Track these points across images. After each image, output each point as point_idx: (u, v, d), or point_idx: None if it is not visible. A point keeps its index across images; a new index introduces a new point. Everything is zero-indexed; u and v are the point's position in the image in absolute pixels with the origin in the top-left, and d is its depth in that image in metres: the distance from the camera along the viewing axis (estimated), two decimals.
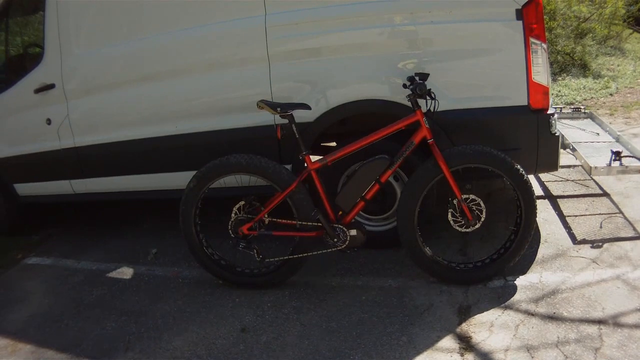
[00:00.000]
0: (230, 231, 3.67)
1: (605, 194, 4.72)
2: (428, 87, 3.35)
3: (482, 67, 3.72)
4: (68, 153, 4.36)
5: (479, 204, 3.56)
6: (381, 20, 3.72)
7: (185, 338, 3.39)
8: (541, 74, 3.68)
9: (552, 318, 3.28)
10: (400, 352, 3.11)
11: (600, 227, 4.19)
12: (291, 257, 3.66)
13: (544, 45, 3.66)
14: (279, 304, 3.63)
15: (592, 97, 8.08)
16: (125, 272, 4.21)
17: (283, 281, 3.78)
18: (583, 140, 4.60)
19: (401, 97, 3.66)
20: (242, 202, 3.67)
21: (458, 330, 3.26)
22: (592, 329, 3.16)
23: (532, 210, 3.55)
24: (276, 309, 3.58)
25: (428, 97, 3.37)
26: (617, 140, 4.54)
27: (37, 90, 4.29)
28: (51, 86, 4.24)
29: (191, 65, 3.98)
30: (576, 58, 9.64)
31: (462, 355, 3.06)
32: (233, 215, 3.67)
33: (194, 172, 3.95)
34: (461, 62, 3.70)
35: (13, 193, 4.81)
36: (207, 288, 3.86)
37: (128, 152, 4.23)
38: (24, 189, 4.75)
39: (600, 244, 3.97)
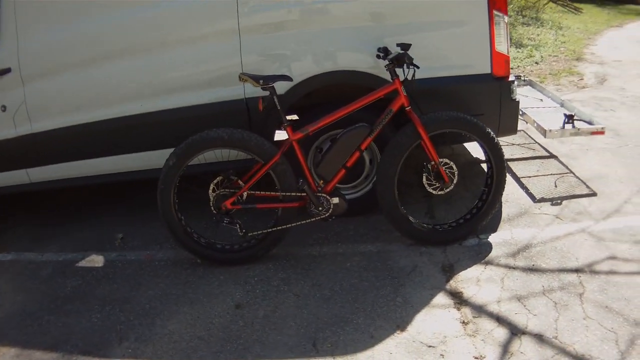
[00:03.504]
0: (212, 207, 3.62)
1: (552, 156, 5.04)
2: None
3: (448, 38, 3.88)
4: (24, 140, 4.12)
5: (451, 167, 3.72)
6: None
7: (179, 320, 3.30)
8: (503, 44, 3.91)
9: (532, 270, 3.50)
10: (400, 312, 3.21)
11: (555, 186, 4.48)
12: (274, 229, 3.67)
13: (505, 18, 3.88)
14: (266, 277, 3.62)
15: (517, 66, 8.44)
16: (96, 260, 4.01)
17: (265, 255, 3.77)
18: (529, 106, 4.85)
19: (368, 67, 3.81)
20: (220, 177, 3.64)
21: (447, 287, 3.41)
22: (572, 277, 3.40)
23: (503, 170, 3.78)
24: (264, 282, 3.57)
25: (411, 66, 3.46)
26: (562, 105, 4.84)
27: None
28: (7, 70, 3.99)
29: (156, 41, 3.86)
30: None
31: (458, 309, 3.21)
32: (211, 191, 3.63)
33: (160, 151, 3.91)
34: (429, 33, 3.83)
35: None
36: (187, 268, 3.78)
37: (91, 135, 4.03)
38: None
39: (559, 201, 4.26)
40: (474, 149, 5.16)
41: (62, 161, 4.19)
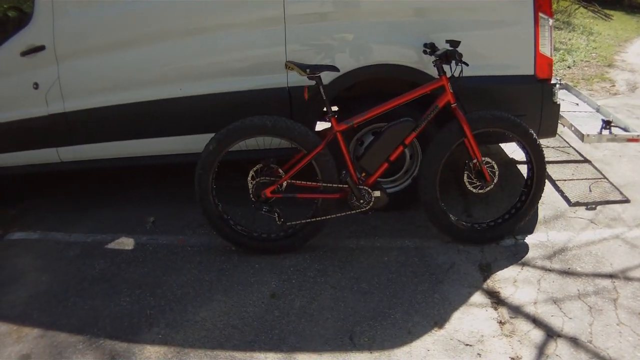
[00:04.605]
0: (251, 195, 3.59)
1: (586, 161, 5.02)
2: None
3: (494, 38, 3.87)
4: (56, 119, 4.10)
5: (492, 166, 3.70)
6: None
7: (212, 308, 3.27)
8: (547, 46, 3.89)
9: (568, 273, 3.48)
10: (438, 309, 3.20)
11: (590, 190, 4.47)
12: (313, 219, 3.66)
13: (550, 21, 3.86)
14: (302, 267, 3.60)
15: None
16: (126, 243, 3.98)
17: (302, 245, 3.75)
18: (565, 110, 4.81)
19: (412, 61, 3.81)
20: (260, 165, 3.61)
21: (485, 286, 3.40)
22: (607, 283, 3.39)
23: (543, 172, 3.76)
24: (301, 272, 3.55)
25: (460, 63, 3.43)
26: (598, 110, 4.81)
27: (24, 53, 4.01)
28: (41, 48, 3.98)
29: (201, 25, 3.85)
30: None
31: (495, 309, 3.20)
32: (250, 179, 3.61)
33: (197, 136, 3.90)
34: (475, 31, 3.80)
35: None
36: (221, 255, 3.76)
37: (126, 116, 4.02)
38: (3, 159, 4.42)
39: (593, 206, 4.24)
40: (510, 148, 5.16)
41: (95, 142, 4.18)
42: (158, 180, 4.89)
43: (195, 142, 3.96)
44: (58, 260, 3.84)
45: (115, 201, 4.63)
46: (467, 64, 3.42)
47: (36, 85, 4.04)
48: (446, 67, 3.53)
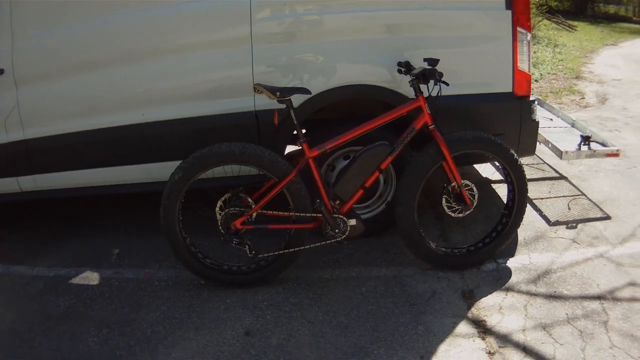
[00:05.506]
0: (220, 227, 3.39)
1: (562, 177, 4.95)
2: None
3: (471, 55, 3.76)
4: (16, 147, 3.82)
5: (471, 189, 3.56)
6: (372, 5, 3.62)
7: (184, 347, 3.06)
8: (525, 62, 3.80)
9: (554, 297, 3.38)
10: (423, 342, 3.04)
11: (569, 208, 4.38)
12: (286, 251, 3.47)
13: (528, 35, 3.76)
14: (276, 302, 3.41)
15: None
16: (91, 278, 3.73)
17: (275, 278, 3.56)
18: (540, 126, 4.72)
19: (384, 81, 3.67)
20: (228, 195, 3.42)
21: (469, 315, 3.26)
22: (595, 305, 3.30)
23: (525, 193, 3.64)
24: (275, 307, 3.36)
25: (440, 83, 3.30)
26: (573, 125, 4.73)
27: None
28: None
29: (162, 47, 3.65)
30: None
31: (483, 339, 3.06)
32: (218, 209, 3.41)
33: (161, 164, 3.71)
34: (451, 49, 3.69)
35: None
36: (190, 290, 3.54)
37: (88, 144, 3.79)
38: None
39: (574, 224, 4.15)
40: (483, 168, 5.07)
41: (57, 170, 3.92)
42: (124, 208, 4.65)
43: (159, 170, 3.76)
44: (21, 295, 3.59)
45: (80, 232, 4.37)
46: (447, 84, 3.29)
47: None
48: (424, 87, 3.39)
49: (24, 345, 3.14)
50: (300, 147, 3.38)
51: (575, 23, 14.81)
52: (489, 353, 2.96)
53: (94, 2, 3.62)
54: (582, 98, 7.73)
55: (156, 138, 3.78)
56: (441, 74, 3.26)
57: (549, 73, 9.09)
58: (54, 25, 3.68)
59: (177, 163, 3.44)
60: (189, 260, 3.49)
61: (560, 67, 9.59)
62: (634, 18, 19.17)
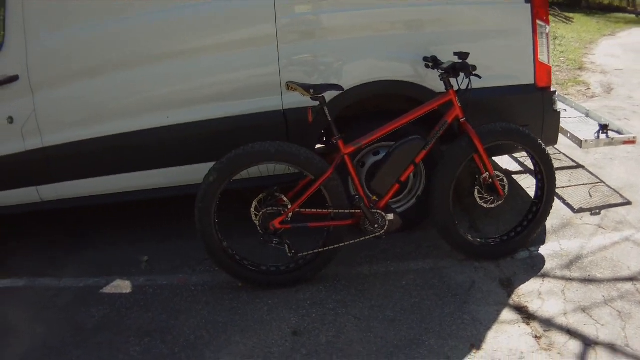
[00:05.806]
0: (258, 227, 3.40)
1: (580, 166, 5.03)
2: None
3: (493, 48, 3.82)
4: (35, 155, 3.75)
5: (502, 180, 3.61)
6: (396, 2, 3.66)
7: (232, 352, 3.03)
8: (545, 54, 3.87)
9: (589, 280, 3.45)
10: (471, 331, 3.08)
11: (590, 196, 4.46)
12: (325, 248, 3.48)
13: (547, 28, 3.83)
14: (319, 300, 3.41)
15: None
16: (122, 286, 3.67)
17: (314, 276, 3.56)
18: None
19: (410, 76, 3.72)
20: (263, 194, 3.42)
21: (511, 302, 3.31)
22: (629, 286, 3.38)
23: (553, 182, 3.72)
24: (319, 305, 3.36)
25: (471, 76, 3.36)
26: (587, 115, 4.80)
27: None
28: (14, 78, 3.64)
29: (188, 47, 3.62)
30: None
31: (527, 324, 3.12)
32: (253, 209, 3.41)
33: (186, 167, 3.72)
34: (475, 43, 3.72)
35: None
36: (229, 293, 3.52)
37: (111, 149, 3.73)
38: None
39: (597, 211, 4.24)
40: (502, 159, 5.13)
41: (78, 178, 3.85)
42: (143, 215, 4.59)
43: (186, 173, 3.76)
44: (50, 308, 3.51)
45: (102, 240, 4.29)
46: (479, 77, 3.34)
47: (11, 120, 3.68)
48: (453, 81, 3.44)
49: (60, 359, 3.07)
50: (334, 144, 3.39)
51: (571, 15, 14.97)
52: (536, 337, 3.01)
53: (113, 1, 3.57)
54: (588, 88, 7.83)
55: (181, 141, 3.75)
56: (474, 67, 3.30)
57: (552, 65, 9.16)
58: (72, 25, 3.60)
59: (202, 166, 3.44)
60: (227, 263, 3.48)
61: (562, 58, 9.70)
62: (629, 8, 19.41)
